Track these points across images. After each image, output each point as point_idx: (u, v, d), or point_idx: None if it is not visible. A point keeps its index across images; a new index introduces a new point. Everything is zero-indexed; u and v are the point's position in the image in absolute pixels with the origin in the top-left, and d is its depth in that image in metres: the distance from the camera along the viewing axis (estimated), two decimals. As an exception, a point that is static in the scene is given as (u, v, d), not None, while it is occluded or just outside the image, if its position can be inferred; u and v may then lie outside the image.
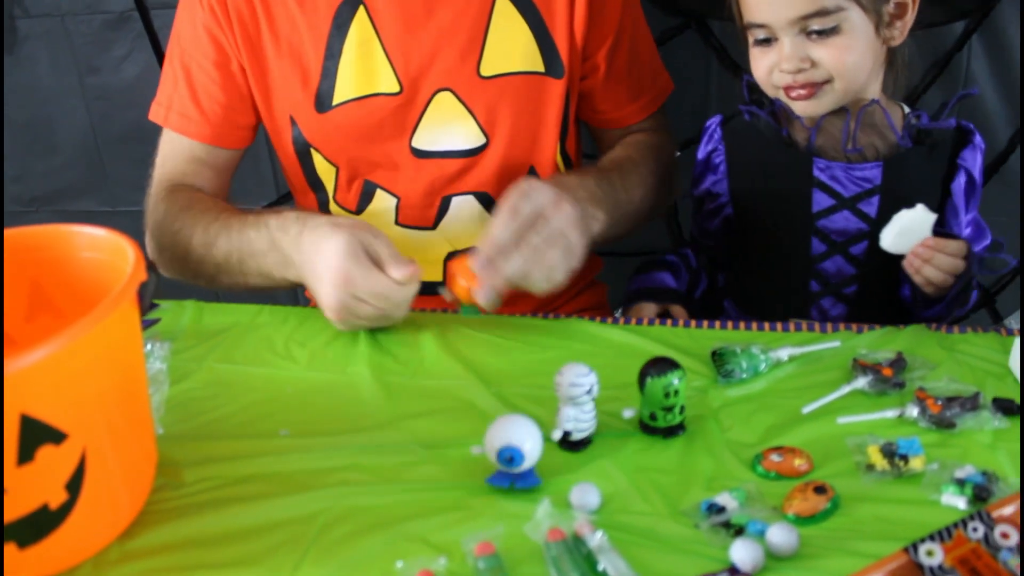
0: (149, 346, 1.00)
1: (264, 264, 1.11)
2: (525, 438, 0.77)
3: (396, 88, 1.20)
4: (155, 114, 1.30)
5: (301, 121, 1.24)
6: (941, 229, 1.05)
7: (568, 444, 0.85)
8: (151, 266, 0.80)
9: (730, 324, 1.05)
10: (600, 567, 0.69)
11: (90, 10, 1.65)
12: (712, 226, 1.21)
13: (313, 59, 1.20)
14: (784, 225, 1.15)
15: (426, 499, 0.79)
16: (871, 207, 1.10)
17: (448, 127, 1.22)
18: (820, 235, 1.12)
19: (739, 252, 1.21)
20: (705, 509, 0.76)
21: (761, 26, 1.06)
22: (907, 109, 1.16)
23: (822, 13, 1.02)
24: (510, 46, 1.20)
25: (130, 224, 1.81)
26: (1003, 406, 0.88)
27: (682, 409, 0.85)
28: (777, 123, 1.15)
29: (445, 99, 1.21)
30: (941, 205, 1.12)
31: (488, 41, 1.20)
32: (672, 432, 0.85)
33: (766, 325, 1.04)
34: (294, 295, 1.85)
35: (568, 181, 1.12)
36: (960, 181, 1.11)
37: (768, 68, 1.08)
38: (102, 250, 0.82)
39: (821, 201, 1.12)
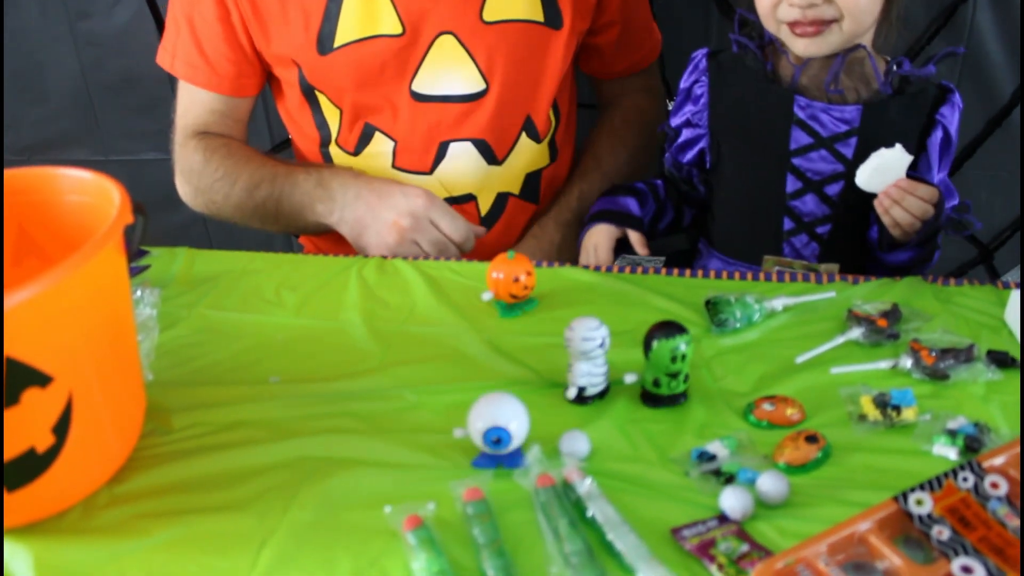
0: (139, 292, 1.00)
1: (304, 202, 1.23)
2: (511, 418, 0.74)
3: (399, 30, 1.19)
4: (161, 59, 1.32)
5: (304, 64, 1.23)
6: (915, 173, 1.04)
7: (582, 400, 0.83)
8: (138, 208, 0.78)
9: (724, 274, 1.04)
10: (589, 513, 0.69)
11: (80, -46, 1.62)
12: (686, 158, 1.21)
13: (316, 2, 1.19)
14: (760, 161, 1.15)
15: (415, 445, 0.79)
16: (848, 148, 1.10)
17: (449, 71, 1.21)
18: (796, 172, 1.12)
19: (711, 187, 1.21)
20: (696, 457, 0.76)
21: None
22: (890, 59, 1.15)
23: None
24: None
25: (123, 173, 1.78)
26: (997, 358, 0.87)
27: (686, 377, 0.82)
28: (763, 57, 1.14)
29: (447, 42, 1.20)
30: (916, 158, 1.12)
31: None
32: (674, 400, 0.83)
33: (761, 275, 1.03)
34: (288, 244, 1.84)
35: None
36: (936, 136, 1.11)
37: (774, 1, 1.06)
38: (88, 193, 0.81)
39: (799, 139, 1.11)
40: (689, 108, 1.18)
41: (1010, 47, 1.52)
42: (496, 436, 0.73)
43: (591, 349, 0.81)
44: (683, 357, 0.81)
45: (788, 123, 1.11)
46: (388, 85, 1.22)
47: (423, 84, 1.22)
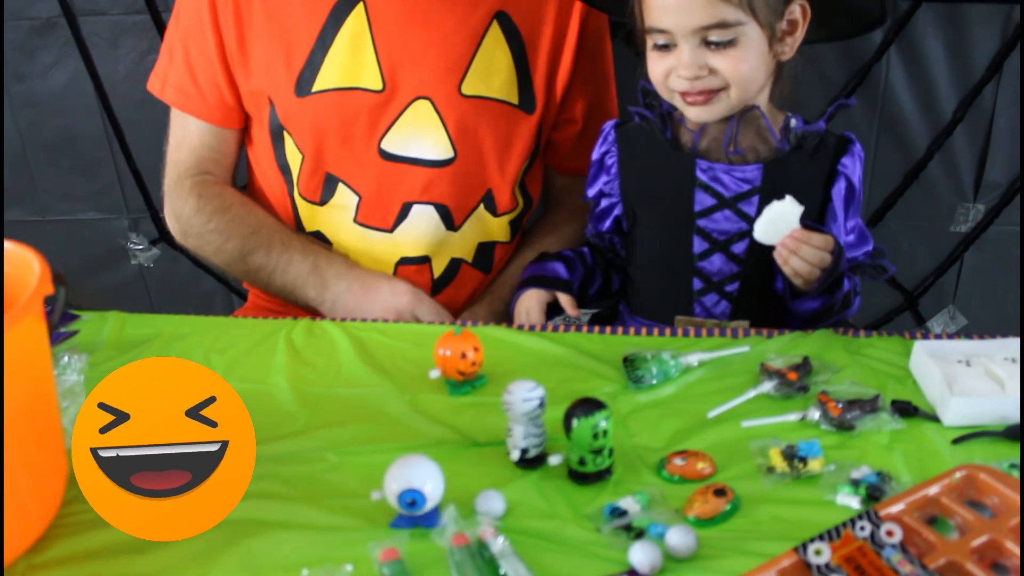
0: (66, 358, 1.00)
1: (297, 283, 1.27)
2: (425, 479, 0.76)
3: (379, 86, 1.22)
4: (152, 85, 1.35)
5: (279, 102, 1.26)
6: (810, 222, 1.09)
7: (526, 462, 0.84)
8: (58, 279, 0.79)
9: (643, 331, 1.07)
10: (501, 571, 0.71)
11: (16, 16, 1.63)
12: (604, 227, 1.25)
13: (302, 45, 1.22)
14: (668, 224, 1.19)
15: (336, 507, 0.80)
16: (751, 207, 1.14)
17: (420, 135, 1.25)
18: (701, 233, 1.16)
19: (628, 251, 1.25)
20: (608, 513, 0.78)
21: (662, 31, 1.09)
22: (793, 121, 1.20)
23: (722, 25, 1.06)
24: (492, 72, 1.25)
25: (61, 233, 1.81)
26: (901, 408, 0.91)
27: (611, 452, 0.83)
28: (662, 126, 1.19)
29: (423, 107, 1.24)
30: (822, 209, 1.17)
31: (474, 62, 1.24)
32: (600, 476, 0.82)
33: (679, 331, 1.07)
34: (229, 303, 1.85)
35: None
36: (840, 186, 1.15)
37: (665, 72, 1.11)
38: (8, 263, 0.81)
39: (703, 201, 1.15)
40: (603, 178, 1.22)
41: (922, 102, 1.59)
42: (411, 498, 0.75)
43: (531, 410, 0.83)
44: (604, 433, 0.81)
45: (692, 186, 1.15)
46: (357, 139, 1.25)
47: (392, 144, 1.25)
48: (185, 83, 1.30)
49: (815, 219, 1.16)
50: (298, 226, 1.34)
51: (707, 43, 1.07)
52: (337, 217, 1.30)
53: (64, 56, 1.67)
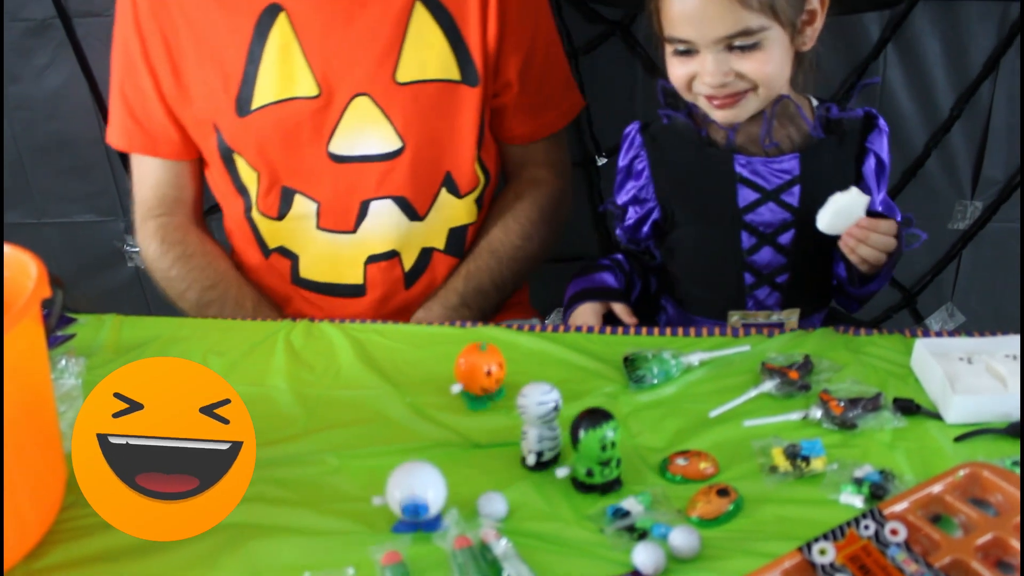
0: (63, 362, 0.99)
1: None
2: (427, 487, 0.75)
3: (314, 91, 1.21)
4: (109, 136, 1.36)
5: (223, 127, 1.25)
6: (872, 210, 1.08)
7: (541, 465, 0.84)
8: (55, 282, 0.79)
9: (644, 330, 1.07)
10: (504, 573, 0.71)
11: (10, 17, 1.62)
12: (643, 233, 1.23)
13: (235, 65, 1.22)
14: (713, 222, 1.18)
15: (337, 511, 0.80)
16: (793, 197, 1.14)
17: (365, 132, 1.24)
18: (748, 228, 1.16)
19: (672, 253, 1.24)
20: (611, 514, 0.78)
21: (682, 40, 1.08)
22: (815, 101, 1.20)
23: (746, 33, 1.05)
24: (426, 53, 1.23)
25: (57, 235, 1.80)
26: (903, 406, 0.91)
27: (618, 462, 0.81)
28: (695, 124, 1.18)
29: (362, 104, 1.23)
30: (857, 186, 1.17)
31: (405, 48, 1.22)
32: (609, 488, 0.81)
33: (679, 330, 1.06)
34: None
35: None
36: (870, 163, 1.16)
37: (688, 76, 1.10)
38: (6, 267, 0.81)
39: (746, 196, 1.15)
40: (632, 184, 1.21)
41: (920, 100, 1.59)
42: (414, 508, 0.75)
43: (546, 413, 0.82)
44: (612, 444, 0.80)
45: (732, 182, 1.14)
46: (306, 147, 1.24)
47: (340, 145, 1.24)
48: (128, 124, 1.31)
49: None
50: (260, 245, 1.34)
51: (731, 48, 1.06)
52: (299, 228, 1.30)
53: (59, 58, 1.66)
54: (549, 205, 1.38)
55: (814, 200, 1.07)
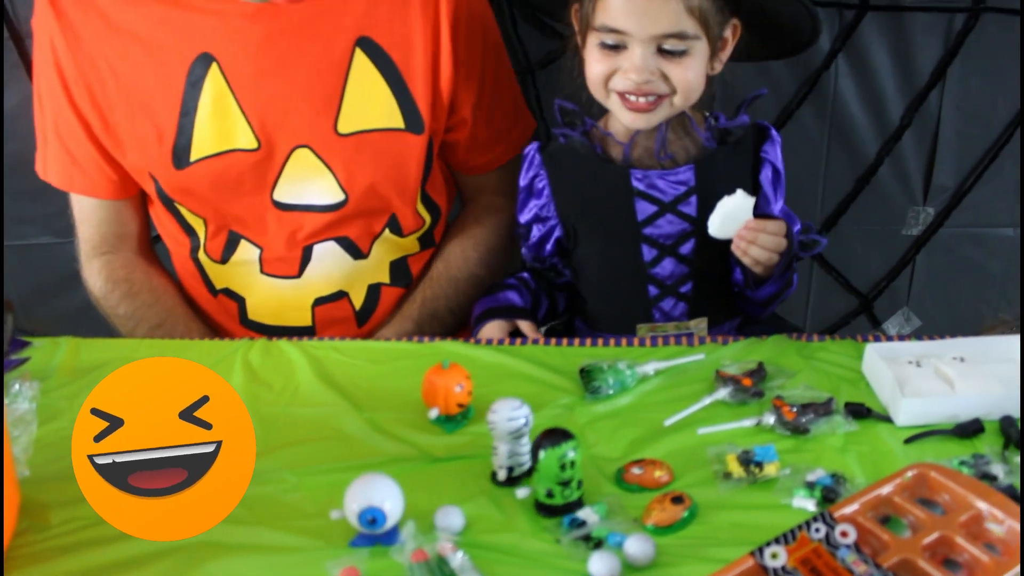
0: (16, 386, 0.98)
1: None
2: (385, 498, 0.76)
3: (254, 144, 1.19)
4: (38, 167, 1.33)
5: (160, 177, 1.22)
6: (760, 212, 1.11)
7: (511, 481, 0.84)
8: (7, 306, 0.79)
9: (600, 341, 1.08)
10: (461, 586, 0.71)
11: (-38, 39, 1.61)
12: (546, 251, 1.25)
13: (167, 116, 1.18)
14: (614, 237, 1.20)
15: (295, 528, 0.80)
16: (690, 207, 1.16)
17: (308, 182, 1.21)
18: (648, 241, 1.18)
19: (576, 271, 1.25)
20: (567, 524, 0.78)
21: (617, 32, 1.08)
22: (707, 114, 1.22)
23: (681, 36, 1.07)
24: (368, 103, 1.20)
25: (13, 257, 1.78)
26: (854, 410, 0.92)
27: (580, 484, 0.80)
28: (591, 142, 1.19)
29: (303, 155, 1.20)
30: (753, 195, 1.19)
31: (345, 97, 1.19)
32: (570, 509, 0.80)
33: (635, 341, 1.08)
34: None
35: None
36: (766, 173, 1.18)
37: (608, 72, 1.10)
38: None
39: (644, 209, 1.17)
40: (534, 203, 1.22)
41: (871, 109, 1.62)
42: (371, 516, 0.75)
43: (517, 428, 0.83)
44: (572, 464, 0.79)
45: (630, 196, 1.16)
46: (249, 197, 1.22)
47: (284, 194, 1.22)
48: (65, 163, 1.27)
49: None
50: (207, 284, 1.32)
51: (660, 50, 1.08)
52: (243, 271, 1.28)
53: (12, 79, 1.64)
54: (508, 232, 1.37)
55: (711, 209, 1.09)
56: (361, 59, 1.19)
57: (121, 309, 1.31)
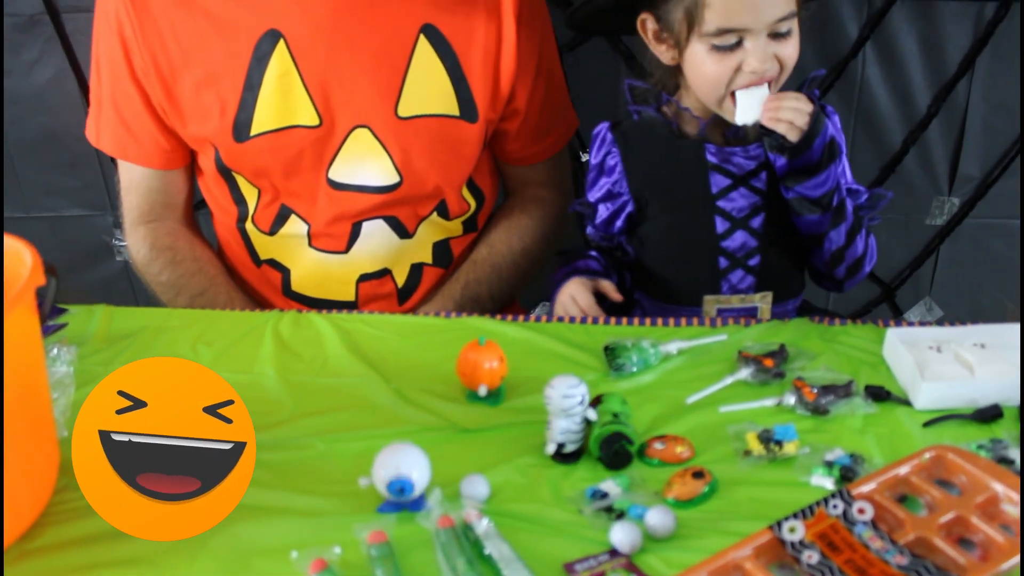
0: (55, 350, 1.01)
1: None
2: (413, 467, 0.78)
3: (315, 121, 1.21)
4: (89, 133, 1.34)
5: (221, 148, 1.25)
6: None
7: (561, 456, 0.86)
8: (50, 270, 0.81)
9: (624, 320, 1.09)
10: (486, 551, 0.73)
11: (-1, 12, 1.64)
12: (616, 227, 1.25)
13: (231, 90, 1.21)
14: (687, 210, 1.21)
15: (324, 492, 0.82)
16: (761, 182, 1.18)
17: (364, 163, 1.24)
18: (722, 213, 1.19)
19: (645, 244, 1.26)
20: (590, 495, 0.80)
21: (734, 31, 1.07)
22: None
23: (791, 16, 1.09)
24: (427, 89, 1.23)
25: (45, 229, 1.81)
26: (874, 393, 0.93)
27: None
28: (665, 119, 1.21)
29: (362, 135, 1.22)
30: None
31: (407, 82, 1.22)
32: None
33: (659, 320, 1.09)
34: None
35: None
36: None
37: (729, 71, 1.09)
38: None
39: (718, 182, 1.18)
40: (605, 180, 1.23)
41: (897, 98, 1.62)
42: (399, 486, 0.77)
43: (571, 406, 0.84)
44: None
45: (705, 170, 1.18)
46: (306, 173, 1.24)
47: (339, 173, 1.24)
48: (119, 132, 1.29)
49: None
50: (251, 254, 1.35)
51: (773, 35, 1.08)
52: (290, 244, 1.31)
53: (47, 53, 1.67)
54: (554, 225, 1.40)
55: (780, 185, 1.10)
56: (424, 46, 1.22)
57: (164, 276, 1.33)
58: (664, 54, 1.16)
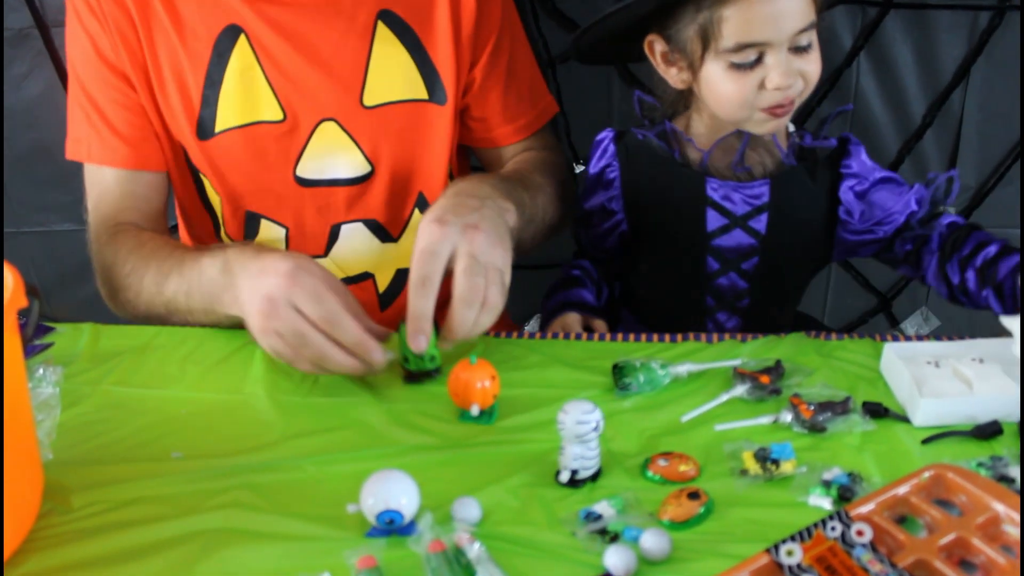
0: (40, 370, 1.00)
1: (213, 291, 1.04)
2: (401, 495, 0.76)
3: (279, 116, 1.19)
4: (74, 152, 1.26)
5: (187, 147, 1.23)
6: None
7: (574, 483, 0.84)
8: (31, 291, 0.79)
9: (631, 336, 1.08)
10: (478, 577, 0.71)
11: (-13, 27, 1.63)
12: (609, 244, 1.23)
13: (193, 86, 1.19)
14: (680, 244, 1.18)
15: (312, 517, 0.80)
16: (760, 224, 1.14)
17: (333, 156, 1.22)
18: (714, 253, 1.16)
19: (636, 267, 1.24)
20: (583, 517, 0.79)
21: (756, 45, 1.03)
22: (791, 128, 1.20)
23: (811, 27, 1.04)
24: (392, 75, 1.21)
25: (35, 244, 1.80)
26: (871, 409, 0.92)
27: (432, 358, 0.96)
28: (668, 145, 1.17)
29: (329, 128, 1.21)
30: (829, 215, 1.17)
31: (370, 70, 1.20)
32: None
33: (666, 337, 1.07)
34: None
35: (466, 187, 1.06)
36: (848, 185, 1.14)
37: (752, 88, 1.05)
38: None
39: (714, 220, 1.15)
40: (603, 193, 1.20)
41: (892, 107, 1.61)
42: (389, 518, 0.76)
43: (585, 432, 0.82)
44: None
45: (703, 206, 1.14)
46: (272, 171, 1.22)
47: (307, 169, 1.22)
48: (106, 135, 1.22)
49: (824, 225, 1.16)
50: None
51: (792, 49, 1.04)
52: None
53: (37, 67, 1.66)
54: (567, 182, 1.30)
55: (781, 227, 1.06)
56: (384, 32, 1.21)
57: (128, 265, 1.17)
58: (674, 77, 1.12)
